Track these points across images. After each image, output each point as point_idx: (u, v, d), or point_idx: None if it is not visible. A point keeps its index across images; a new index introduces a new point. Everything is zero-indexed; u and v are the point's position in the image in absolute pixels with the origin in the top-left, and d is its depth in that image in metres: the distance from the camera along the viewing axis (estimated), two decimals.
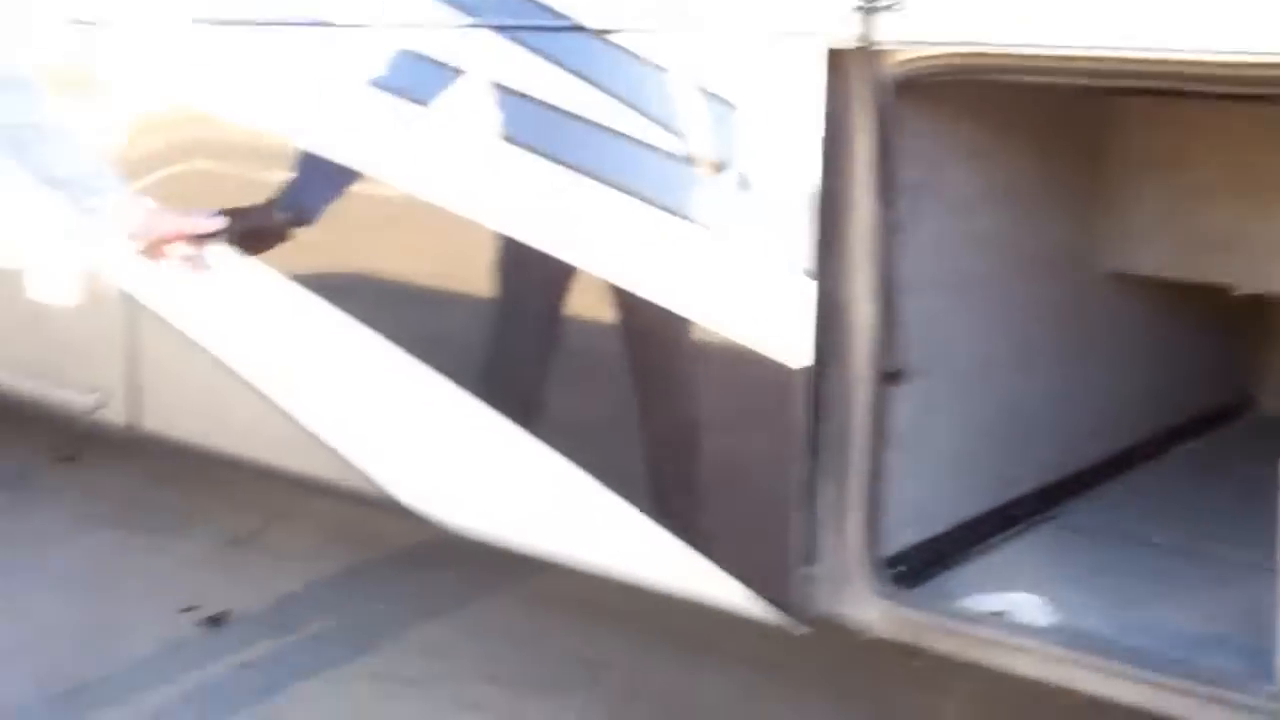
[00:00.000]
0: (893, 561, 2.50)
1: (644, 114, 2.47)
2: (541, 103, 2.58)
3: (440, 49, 2.74)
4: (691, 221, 2.44)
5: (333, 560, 3.86)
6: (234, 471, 3.56)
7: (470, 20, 2.68)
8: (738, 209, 2.40)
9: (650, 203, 2.48)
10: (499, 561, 3.06)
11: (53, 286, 3.57)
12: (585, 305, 2.63)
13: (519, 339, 2.82)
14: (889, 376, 2.38)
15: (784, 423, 2.41)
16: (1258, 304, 3.23)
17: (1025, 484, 2.90)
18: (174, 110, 3.34)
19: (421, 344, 2.91)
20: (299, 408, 3.15)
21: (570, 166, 2.57)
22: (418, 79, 2.78)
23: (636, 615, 3.21)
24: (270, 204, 3.04)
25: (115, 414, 3.56)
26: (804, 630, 2.53)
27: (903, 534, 2.54)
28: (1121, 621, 2.42)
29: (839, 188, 2.32)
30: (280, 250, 3.03)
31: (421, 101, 2.79)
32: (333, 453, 3.10)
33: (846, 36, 2.24)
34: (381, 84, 2.84)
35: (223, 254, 2.90)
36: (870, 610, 2.47)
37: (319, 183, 3.03)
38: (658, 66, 2.46)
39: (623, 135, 2.50)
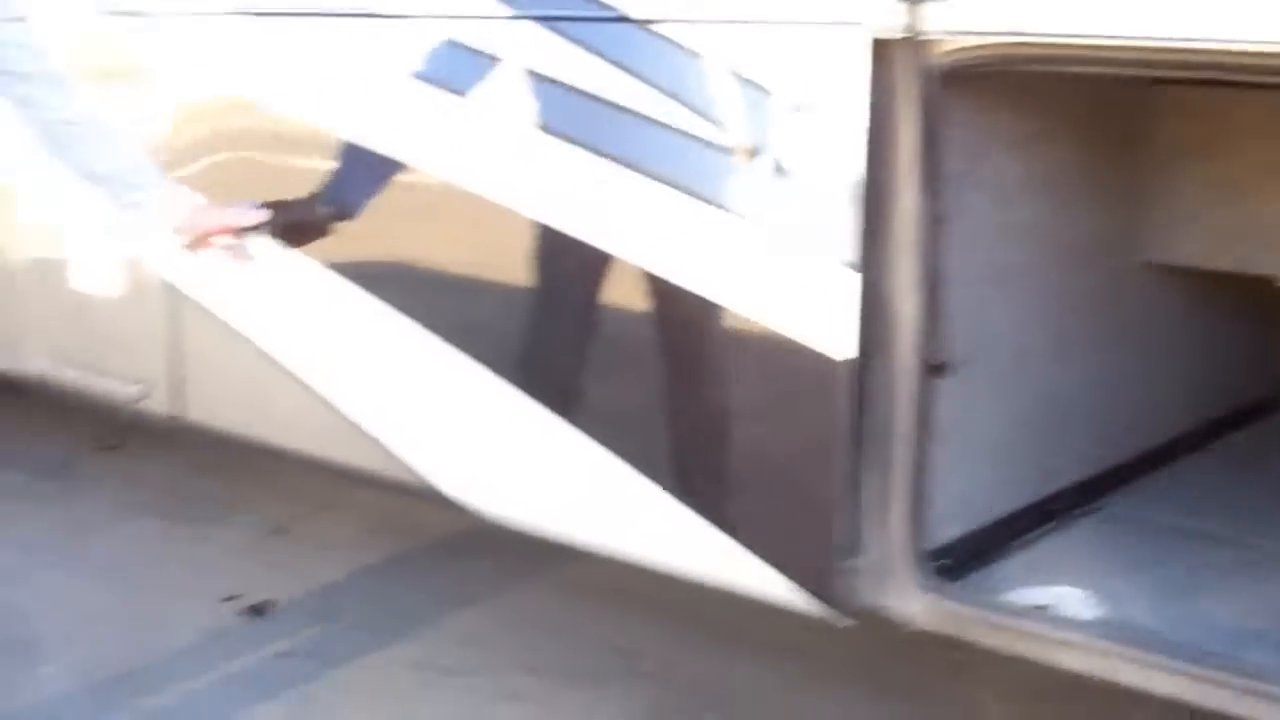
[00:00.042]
0: (936, 554, 2.49)
1: (687, 105, 2.47)
2: (585, 94, 2.58)
3: (484, 40, 2.74)
4: (735, 213, 2.43)
5: (374, 550, 3.87)
6: (275, 461, 3.58)
7: (515, 11, 2.68)
8: (781, 201, 2.39)
9: (693, 194, 2.48)
10: (536, 551, 3.06)
11: (96, 277, 3.59)
12: (627, 297, 2.62)
13: (560, 330, 2.82)
14: (934, 368, 2.37)
15: (827, 415, 2.40)
16: None
17: (1066, 476, 2.88)
18: (215, 101, 3.34)
19: (463, 334, 2.91)
20: (342, 398, 3.15)
21: (613, 158, 2.56)
22: (461, 70, 2.78)
23: (674, 605, 3.21)
24: (313, 197, 3.05)
25: (159, 404, 3.58)
26: (847, 623, 2.52)
27: (946, 527, 2.53)
28: (1164, 615, 2.41)
29: (883, 179, 2.31)
30: (322, 242, 3.05)
31: (465, 93, 2.79)
32: (375, 443, 3.10)
33: (892, 26, 2.23)
34: (425, 76, 2.84)
35: (265, 246, 2.91)
36: (914, 603, 2.46)
37: (361, 176, 3.03)
38: (701, 57, 2.45)
39: (665, 126, 2.49)
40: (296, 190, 3.07)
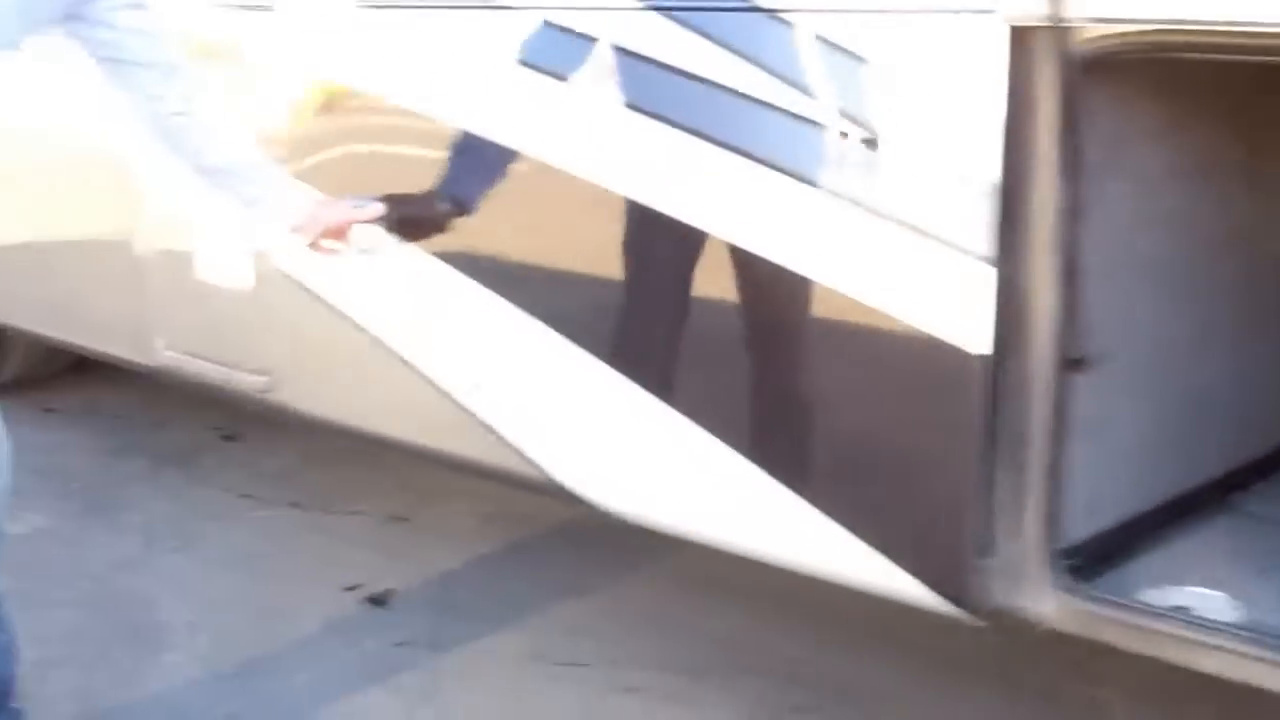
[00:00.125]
0: (1070, 554, 2.43)
1: (818, 97, 2.42)
2: (713, 85, 2.54)
3: (610, 31, 2.71)
4: (869, 207, 2.38)
5: (490, 539, 3.88)
6: (393, 453, 3.59)
7: (642, 2, 2.64)
8: (915, 193, 2.34)
9: (825, 188, 2.43)
10: (649, 542, 3.05)
11: (223, 267, 3.62)
12: (757, 292, 2.59)
13: (687, 326, 2.79)
14: (1072, 363, 2.31)
15: (961, 412, 2.35)
16: None
17: (1204, 472, 2.81)
18: (332, 94, 3.35)
19: (593, 334, 2.90)
20: (464, 394, 3.15)
21: (742, 151, 2.53)
22: (588, 63, 2.75)
23: (795, 600, 3.17)
24: (432, 191, 3.04)
25: (284, 396, 3.60)
26: (978, 623, 2.47)
27: (1080, 525, 2.47)
28: None
29: (1021, 170, 2.25)
30: (443, 235, 3.04)
31: (590, 86, 2.76)
32: (494, 436, 3.09)
33: (1032, 14, 2.17)
34: (550, 68, 2.82)
35: (386, 240, 2.91)
36: (1047, 603, 2.41)
37: (479, 170, 3.02)
38: (834, 47, 2.40)
39: (796, 118, 2.45)
40: (416, 183, 3.06)
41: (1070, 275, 2.27)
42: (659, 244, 2.75)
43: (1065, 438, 2.35)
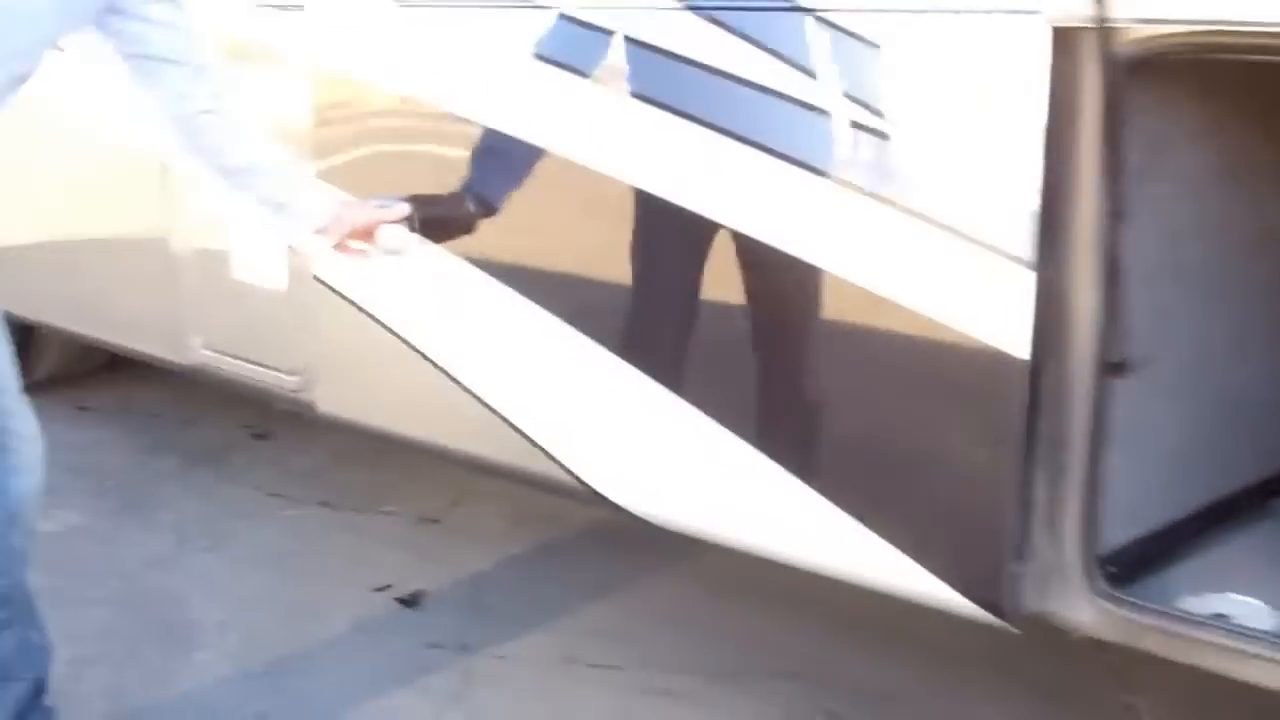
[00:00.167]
0: (1107, 559, 2.40)
1: (858, 98, 2.41)
2: (751, 85, 2.52)
3: (647, 31, 2.69)
4: (906, 209, 2.36)
5: (521, 540, 3.88)
6: (418, 455, 3.59)
7: (678, 3, 2.63)
8: (955, 195, 2.32)
9: (863, 189, 2.41)
10: (682, 544, 3.03)
11: (257, 266, 3.63)
12: (795, 296, 2.57)
13: (719, 332, 2.76)
14: (1112, 368, 2.28)
15: (1000, 416, 2.33)
16: None
17: (1242, 477, 2.78)
18: (366, 93, 3.34)
19: (618, 335, 2.89)
20: (495, 396, 3.14)
21: (779, 154, 2.51)
22: (624, 63, 2.74)
23: (828, 603, 3.17)
24: (460, 193, 3.02)
25: (315, 397, 3.60)
26: (1013, 630, 2.45)
27: (1118, 530, 2.44)
28: None
29: (1062, 173, 2.23)
30: (472, 236, 3.02)
31: (623, 86, 2.75)
32: (527, 441, 3.08)
33: (1074, 15, 2.14)
34: (579, 68, 2.81)
35: (413, 242, 2.88)
36: (1084, 610, 2.39)
37: (505, 170, 3.00)
38: (875, 47, 2.38)
39: (836, 120, 2.43)
40: (442, 183, 3.04)
41: (1111, 279, 2.24)
42: (693, 248, 2.72)
43: (1104, 442, 2.32)
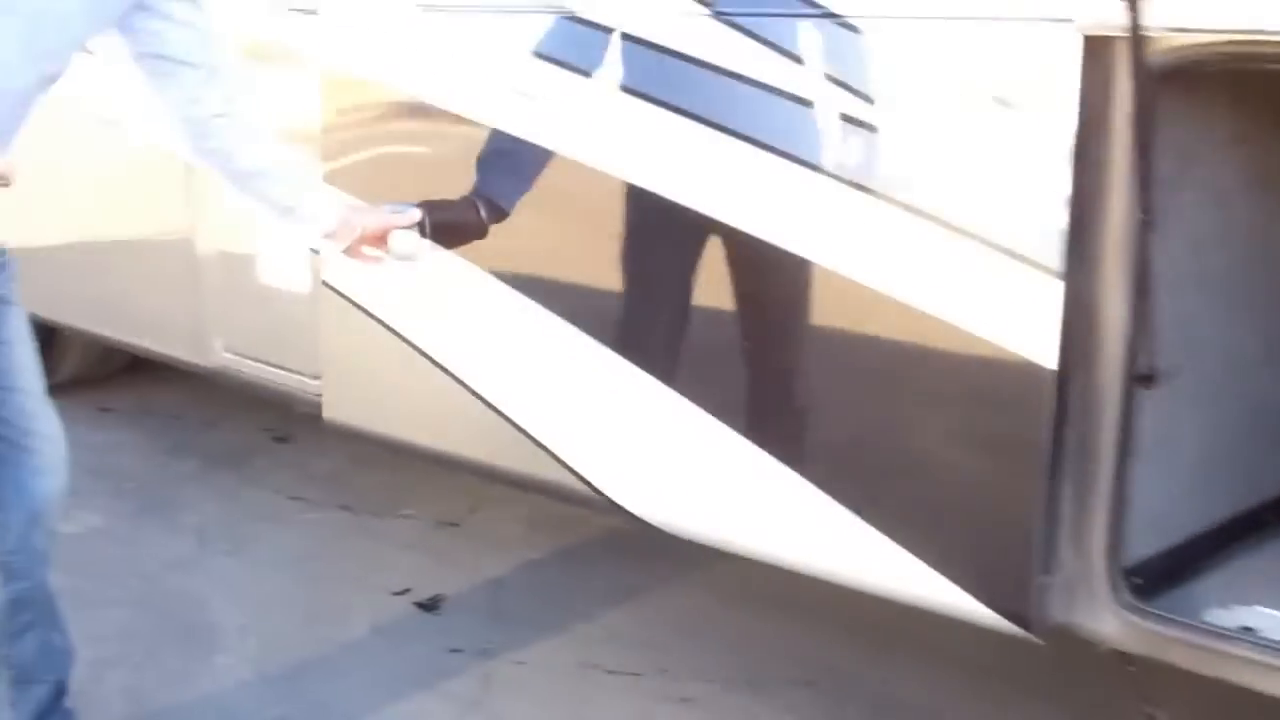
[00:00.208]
0: (1133, 571, 2.39)
1: (887, 106, 2.39)
2: (778, 92, 2.51)
3: (673, 37, 2.68)
4: (935, 217, 2.35)
5: (538, 546, 3.88)
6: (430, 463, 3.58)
7: (703, 8, 2.62)
8: (983, 204, 2.30)
9: (892, 198, 2.40)
10: (702, 552, 3.01)
11: (279, 270, 3.63)
12: (818, 304, 2.55)
13: (742, 342, 2.74)
14: (1141, 379, 2.27)
15: (1027, 427, 2.32)
16: None
17: (1270, 489, 2.76)
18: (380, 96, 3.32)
19: (640, 346, 2.87)
20: (520, 411, 3.11)
21: (804, 161, 2.49)
22: (650, 68, 2.72)
23: (850, 613, 3.14)
24: (472, 197, 3.00)
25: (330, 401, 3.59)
26: (1037, 641, 2.44)
27: (1144, 542, 2.43)
28: None
29: (1091, 182, 2.21)
30: (485, 242, 3.00)
31: (654, 92, 2.72)
32: (546, 451, 3.05)
33: (1106, 23, 2.13)
34: (585, 68, 2.80)
35: (428, 248, 2.86)
36: (1110, 622, 2.37)
37: (515, 173, 2.98)
38: (904, 55, 2.37)
39: (862, 127, 2.42)
40: (455, 188, 3.02)
41: (1141, 289, 2.23)
42: (714, 255, 2.70)
43: (1131, 453, 2.31)
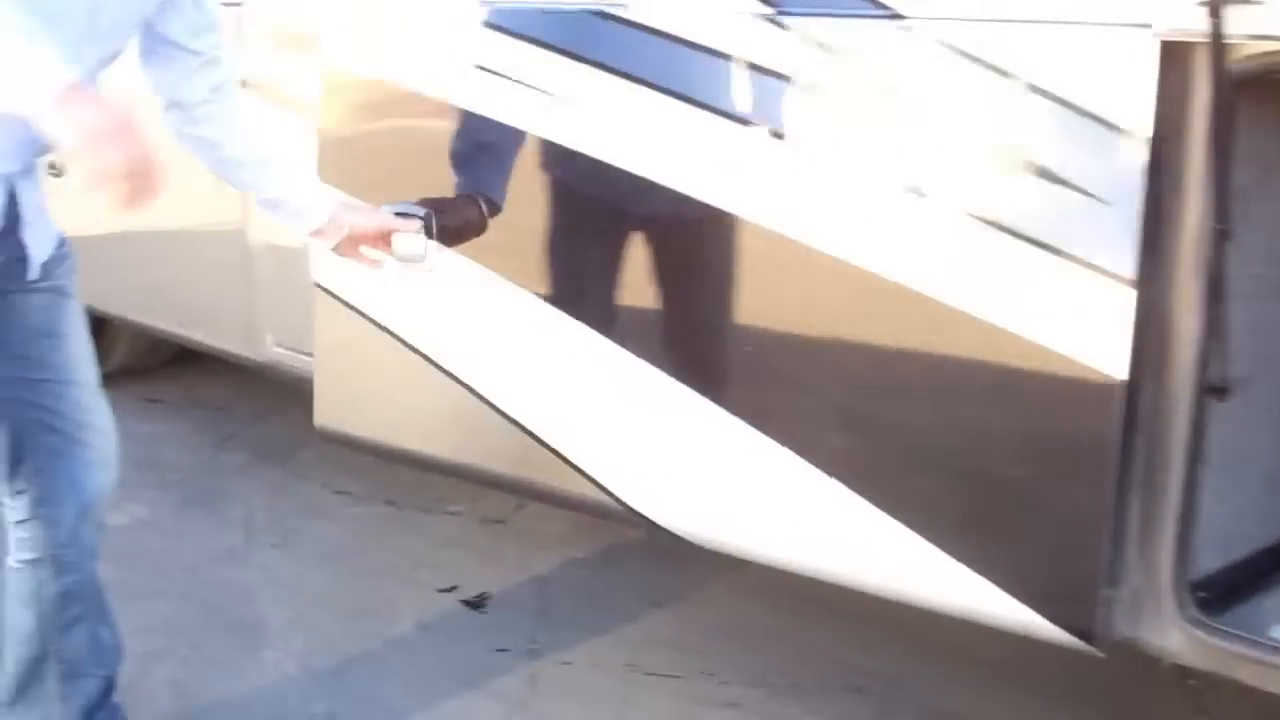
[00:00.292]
0: (1199, 585, 2.35)
1: (956, 112, 2.35)
2: (840, 97, 2.47)
3: (721, 37, 2.62)
4: (1004, 225, 2.31)
5: (582, 545, 3.85)
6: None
7: (763, 6, 2.57)
8: (1055, 212, 2.26)
9: (961, 206, 2.35)
10: None
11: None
12: (881, 315, 2.50)
13: (787, 350, 2.67)
14: (1213, 390, 2.22)
15: (1094, 438, 2.27)
16: None
17: None
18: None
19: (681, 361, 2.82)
20: (532, 416, 3.05)
21: (868, 169, 2.45)
22: (698, 72, 2.65)
23: (900, 619, 3.10)
24: (474, 194, 2.94)
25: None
26: (1098, 655, 2.40)
27: (1211, 556, 2.39)
28: None
29: (1167, 190, 2.18)
30: (491, 241, 2.95)
31: (699, 97, 2.66)
32: (564, 460, 3.00)
33: (1186, 29, 2.09)
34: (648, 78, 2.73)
35: (434, 249, 2.81)
36: (1175, 637, 2.33)
37: (502, 166, 2.93)
38: (973, 59, 2.32)
39: (931, 135, 2.38)
40: (451, 186, 2.98)
41: (1215, 299, 2.19)
42: (757, 257, 2.64)
43: (1201, 465, 2.27)
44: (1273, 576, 2.52)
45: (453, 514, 4.06)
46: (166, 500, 4.12)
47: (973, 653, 3.15)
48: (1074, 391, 2.27)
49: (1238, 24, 2.05)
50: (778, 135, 2.56)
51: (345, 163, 3.17)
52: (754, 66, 2.56)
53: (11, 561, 2.57)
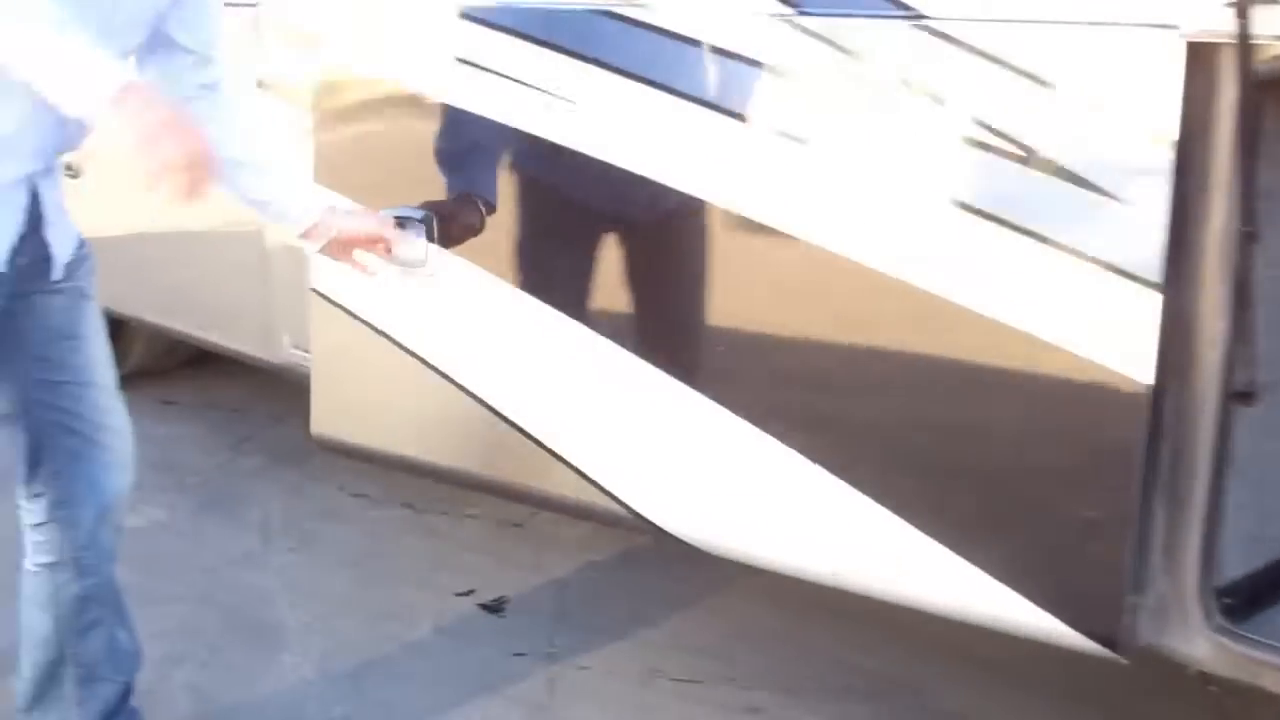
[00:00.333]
0: (1223, 592, 2.33)
1: (979, 114, 2.33)
2: (861, 98, 2.45)
3: (730, 37, 2.60)
4: (1027, 229, 2.29)
5: (600, 549, 3.83)
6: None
7: (786, 8, 2.54)
8: (1079, 215, 2.24)
9: (984, 210, 2.33)
10: None
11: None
12: (903, 319, 2.47)
13: (801, 354, 2.65)
14: (1240, 396, 2.20)
15: (1118, 443, 2.25)
16: None
17: None
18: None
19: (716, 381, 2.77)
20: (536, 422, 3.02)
21: (888, 171, 2.43)
22: (704, 71, 2.64)
23: (925, 626, 3.08)
24: (472, 196, 2.91)
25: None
26: (1121, 662, 2.38)
27: (1234, 563, 2.36)
28: None
29: (1192, 193, 2.15)
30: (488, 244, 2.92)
31: (709, 98, 2.64)
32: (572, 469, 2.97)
33: (1213, 30, 2.07)
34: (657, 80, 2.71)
35: (435, 253, 2.77)
36: (1200, 644, 2.31)
37: (493, 166, 2.92)
38: (997, 60, 2.30)
39: (954, 137, 2.35)
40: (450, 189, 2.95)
41: (1242, 302, 2.16)
42: (773, 259, 2.61)
43: (1227, 471, 2.25)
44: None
45: (471, 517, 4.05)
46: (183, 503, 4.12)
47: (990, 658, 3.13)
48: (1099, 396, 2.25)
49: (1265, 25, 2.03)
50: (797, 138, 2.54)
51: (347, 163, 3.17)
52: (773, 68, 2.55)
53: (28, 565, 2.57)
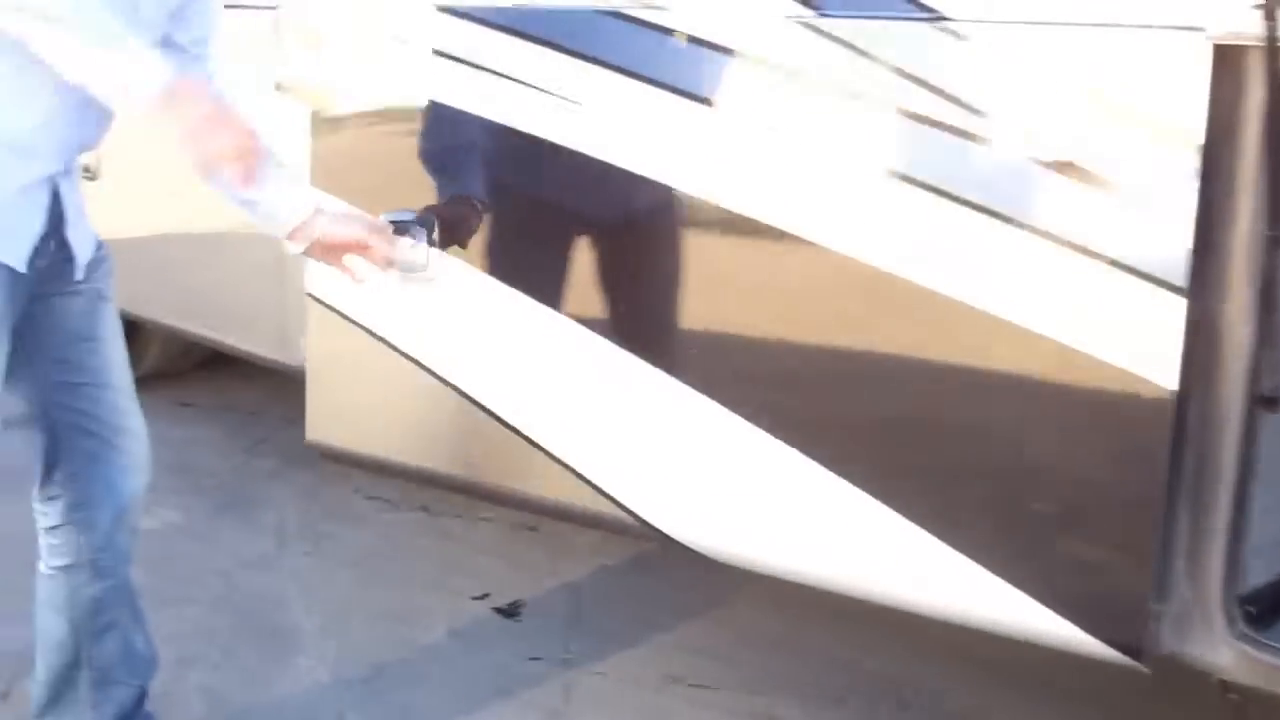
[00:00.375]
0: (1246, 600, 2.31)
1: (1002, 117, 2.31)
2: (884, 102, 2.43)
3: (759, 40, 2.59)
4: (1051, 232, 2.27)
5: (615, 553, 3.82)
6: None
7: (807, 10, 2.53)
8: (1104, 219, 2.22)
9: (1008, 214, 2.31)
10: None
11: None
12: (922, 323, 2.45)
13: (816, 360, 2.64)
14: (1265, 401, 2.18)
15: (1144, 449, 2.24)
16: None
17: None
18: None
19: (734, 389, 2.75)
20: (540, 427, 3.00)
21: (915, 179, 2.41)
22: (709, 72, 2.63)
23: (938, 631, 3.07)
24: (469, 196, 2.90)
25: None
26: (1143, 670, 2.36)
27: (1258, 570, 2.34)
28: None
29: (1219, 197, 2.14)
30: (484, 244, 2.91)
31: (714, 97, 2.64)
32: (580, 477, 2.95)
33: (1240, 32, 2.05)
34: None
35: (436, 256, 2.75)
36: (1224, 652, 2.29)
37: (481, 167, 2.92)
38: (1021, 63, 2.29)
39: (976, 141, 2.34)
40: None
41: (1267, 308, 2.15)
42: (784, 269, 2.60)
43: (1251, 478, 2.23)
44: None
45: (485, 520, 4.04)
46: (199, 505, 4.11)
47: (1010, 665, 3.11)
48: (1122, 402, 2.23)
49: None
50: (817, 140, 2.53)
51: (348, 166, 3.19)
52: (791, 70, 2.53)
53: (43, 568, 2.56)
